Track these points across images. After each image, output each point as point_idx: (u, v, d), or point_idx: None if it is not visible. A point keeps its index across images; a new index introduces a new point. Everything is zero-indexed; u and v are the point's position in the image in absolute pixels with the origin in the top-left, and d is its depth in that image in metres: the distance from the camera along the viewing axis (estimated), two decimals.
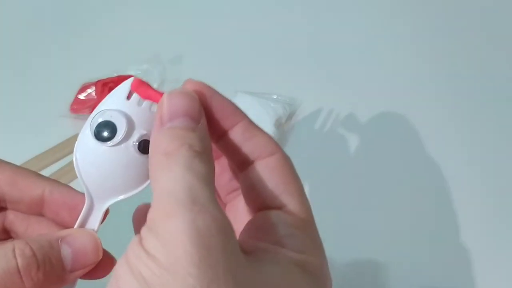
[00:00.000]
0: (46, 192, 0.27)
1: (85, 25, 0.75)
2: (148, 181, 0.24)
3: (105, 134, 0.24)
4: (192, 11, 0.74)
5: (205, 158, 0.21)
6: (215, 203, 0.20)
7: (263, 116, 0.56)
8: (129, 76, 0.68)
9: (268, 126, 0.55)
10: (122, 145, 0.24)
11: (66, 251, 0.24)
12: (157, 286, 0.18)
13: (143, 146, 0.24)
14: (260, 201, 0.24)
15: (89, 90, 0.61)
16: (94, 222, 0.26)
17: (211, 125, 0.24)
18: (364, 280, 0.46)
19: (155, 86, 0.63)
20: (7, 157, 0.58)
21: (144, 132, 0.24)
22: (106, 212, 0.26)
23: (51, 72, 0.68)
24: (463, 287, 0.45)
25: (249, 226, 0.24)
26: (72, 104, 0.60)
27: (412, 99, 0.60)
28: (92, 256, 0.25)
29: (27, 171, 0.28)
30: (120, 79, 0.61)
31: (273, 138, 0.25)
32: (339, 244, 0.49)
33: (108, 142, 0.24)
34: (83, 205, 0.26)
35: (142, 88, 0.25)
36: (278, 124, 0.56)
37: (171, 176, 0.20)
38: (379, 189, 0.52)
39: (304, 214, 0.24)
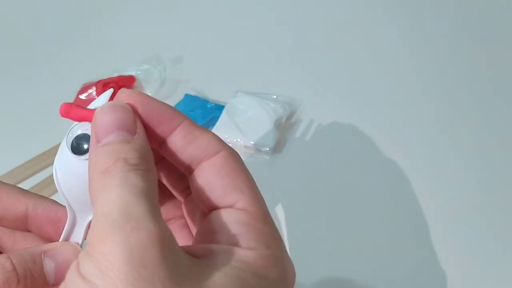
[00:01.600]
0: (30, 208, 0.26)
1: (85, 25, 0.75)
2: None
3: (82, 147, 0.24)
4: (192, 11, 0.74)
5: (142, 168, 0.21)
6: (152, 215, 0.20)
7: (263, 116, 0.56)
8: (130, 76, 0.69)
9: (268, 126, 0.55)
10: None
11: (49, 265, 0.24)
12: None
13: None
14: (211, 202, 0.23)
15: (90, 90, 0.61)
16: (78, 236, 0.26)
17: (150, 132, 0.24)
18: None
19: (155, 86, 0.63)
20: (7, 157, 0.58)
21: None
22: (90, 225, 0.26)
23: (52, 72, 0.69)
24: None
25: (201, 229, 0.24)
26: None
27: (412, 99, 0.60)
28: None
29: (9, 188, 0.27)
30: (121, 79, 0.62)
31: (217, 136, 0.24)
32: (338, 241, 0.49)
33: (85, 155, 0.24)
34: (66, 220, 0.25)
35: (72, 111, 0.24)
36: (278, 124, 0.56)
37: (106, 196, 0.20)
38: (379, 189, 0.52)
39: (257, 209, 0.23)
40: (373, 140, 0.56)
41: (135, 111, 0.23)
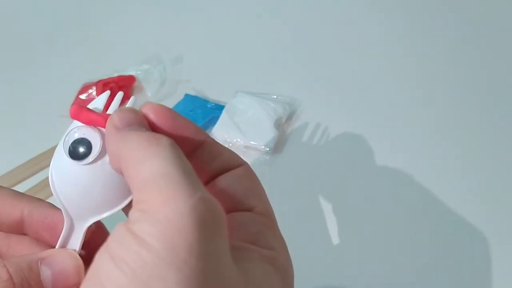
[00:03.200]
0: (25, 213, 0.26)
1: (86, 25, 0.75)
2: (130, 198, 0.23)
3: (80, 152, 0.23)
4: (193, 11, 0.75)
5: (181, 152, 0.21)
6: (207, 190, 0.19)
7: (263, 116, 0.56)
8: (130, 76, 0.69)
9: (268, 126, 0.55)
10: (98, 163, 0.23)
11: (46, 273, 0.23)
12: (149, 277, 0.17)
13: None
14: (229, 205, 0.24)
15: (90, 90, 0.61)
16: (75, 242, 0.25)
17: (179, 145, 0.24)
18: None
19: (155, 86, 0.63)
20: (7, 157, 0.58)
21: None
22: (89, 230, 0.25)
23: (52, 72, 0.69)
24: None
25: None
26: (73, 104, 0.60)
27: (412, 99, 0.60)
28: (73, 277, 0.24)
29: (5, 191, 0.27)
30: (121, 79, 0.62)
31: (237, 154, 0.26)
32: (337, 241, 0.49)
33: (83, 161, 0.23)
34: (63, 225, 0.24)
35: (82, 114, 0.23)
36: (278, 124, 0.56)
37: (163, 158, 0.19)
38: (379, 189, 0.52)
39: (272, 216, 0.25)
40: (373, 140, 0.56)
41: (165, 122, 0.23)
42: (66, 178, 0.24)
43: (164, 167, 0.19)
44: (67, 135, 0.23)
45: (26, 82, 0.69)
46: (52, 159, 0.24)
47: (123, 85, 0.61)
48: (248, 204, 0.24)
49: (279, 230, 0.25)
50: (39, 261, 0.23)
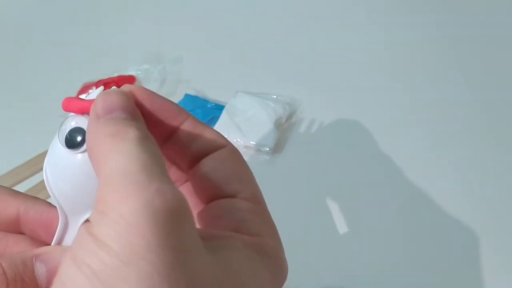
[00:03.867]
0: (21, 211, 0.25)
1: (86, 25, 0.75)
2: None
3: (76, 141, 0.23)
4: (193, 11, 0.75)
5: (154, 141, 0.20)
6: (171, 181, 0.19)
7: (263, 116, 0.56)
8: (130, 76, 0.69)
9: (268, 126, 0.55)
10: None
11: (41, 270, 0.22)
12: (110, 279, 0.17)
13: None
14: (213, 191, 0.23)
15: (90, 90, 0.61)
16: (71, 239, 0.24)
17: (156, 127, 0.23)
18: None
19: (155, 86, 0.63)
20: (7, 157, 0.58)
21: None
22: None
23: (52, 72, 0.69)
24: None
25: (203, 216, 0.24)
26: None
27: (412, 99, 0.60)
28: None
29: (1, 189, 0.26)
30: (121, 79, 0.62)
31: (220, 133, 0.25)
32: (337, 241, 0.49)
33: (77, 149, 0.22)
34: (58, 222, 0.24)
35: (73, 103, 0.23)
36: (278, 124, 0.56)
37: (122, 154, 0.19)
38: (379, 189, 0.52)
39: (258, 201, 0.23)
40: (373, 140, 0.56)
41: (142, 103, 0.23)
42: (61, 171, 0.23)
43: (123, 164, 0.19)
44: (62, 124, 0.23)
45: (26, 82, 0.69)
46: (47, 155, 0.24)
47: (123, 85, 0.61)
48: (232, 189, 0.23)
49: (269, 215, 0.24)
50: (34, 258, 0.23)
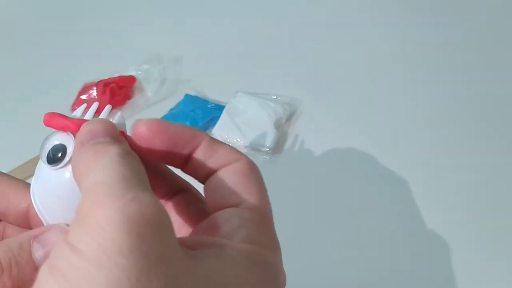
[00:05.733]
0: (31, 206, 0.25)
1: (86, 26, 0.75)
2: None
3: (55, 157, 0.23)
4: (193, 11, 0.75)
5: (137, 158, 0.21)
6: (150, 192, 0.19)
7: (263, 116, 0.56)
8: (130, 76, 0.68)
9: (268, 126, 0.56)
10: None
11: (38, 252, 0.22)
12: (78, 281, 0.17)
13: None
14: (220, 202, 0.24)
15: (90, 91, 0.61)
16: None
17: (175, 155, 0.24)
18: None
19: (155, 86, 0.64)
20: (8, 157, 0.58)
21: None
22: None
23: (53, 72, 0.69)
24: None
25: (204, 225, 0.24)
26: (73, 105, 0.60)
27: (413, 100, 0.60)
28: None
29: (17, 182, 0.27)
30: (121, 79, 0.62)
31: (236, 149, 0.25)
32: (337, 242, 0.49)
33: (58, 164, 0.23)
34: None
35: (55, 120, 0.24)
36: (278, 124, 0.56)
37: (102, 168, 0.20)
38: (379, 189, 0.52)
39: (261, 211, 0.24)
40: (372, 140, 0.56)
41: (159, 133, 0.23)
42: (43, 186, 0.24)
43: (102, 176, 0.19)
44: (44, 141, 0.24)
45: (26, 82, 0.69)
46: (35, 172, 0.24)
47: (123, 85, 0.62)
48: (236, 200, 0.23)
49: (271, 227, 0.24)
50: (32, 239, 0.23)
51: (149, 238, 0.18)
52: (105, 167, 0.20)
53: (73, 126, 0.23)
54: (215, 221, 0.23)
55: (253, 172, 0.24)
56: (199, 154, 0.24)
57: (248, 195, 0.24)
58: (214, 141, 0.25)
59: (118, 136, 0.23)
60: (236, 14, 0.73)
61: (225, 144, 0.25)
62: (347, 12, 0.71)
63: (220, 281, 0.20)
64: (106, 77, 0.62)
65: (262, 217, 0.23)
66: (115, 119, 0.24)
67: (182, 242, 0.21)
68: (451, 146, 0.55)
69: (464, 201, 0.50)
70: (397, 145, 0.55)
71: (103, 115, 0.25)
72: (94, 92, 0.61)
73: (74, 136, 0.23)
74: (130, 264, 0.17)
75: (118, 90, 0.61)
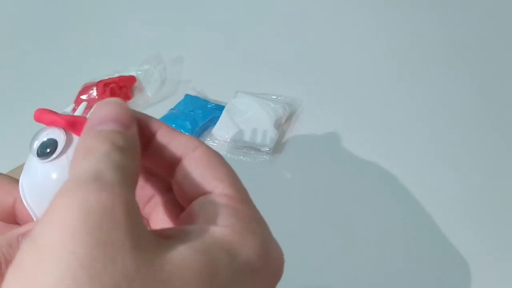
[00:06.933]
0: (18, 200, 0.25)
1: (87, 26, 0.75)
2: None
3: (45, 151, 0.23)
4: (193, 11, 0.75)
5: (127, 153, 0.21)
6: (123, 184, 0.19)
7: (263, 116, 0.56)
8: (130, 76, 0.68)
9: (268, 126, 0.56)
10: (63, 160, 0.23)
11: None
12: (33, 271, 0.17)
13: None
14: (191, 193, 0.23)
15: (90, 91, 0.61)
16: None
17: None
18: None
19: (155, 86, 0.63)
20: (8, 157, 0.58)
21: None
22: None
23: (53, 72, 0.69)
24: None
25: (182, 218, 0.24)
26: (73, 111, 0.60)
27: (413, 100, 0.60)
28: None
29: (2, 177, 0.27)
30: (121, 79, 0.62)
31: (195, 137, 0.25)
32: (336, 242, 0.49)
33: (48, 158, 0.23)
34: None
35: (44, 116, 0.24)
36: (278, 124, 0.56)
37: (86, 161, 0.20)
38: (379, 190, 0.52)
39: (236, 193, 0.23)
40: (372, 140, 0.56)
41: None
42: (31, 180, 0.24)
43: (80, 171, 0.19)
44: (34, 137, 0.24)
45: (26, 82, 0.69)
46: (23, 169, 0.24)
47: (123, 85, 0.62)
48: (207, 187, 0.23)
49: (251, 206, 0.23)
50: (20, 237, 0.23)
51: (109, 228, 0.17)
52: (88, 161, 0.20)
53: (62, 121, 0.24)
54: (191, 212, 0.23)
55: (216, 158, 0.24)
56: (157, 142, 0.24)
57: (218, 181, 0.23)
58: (170, 129, 0.24)
59: (127, 120, 0.22)
60: (236, 14, 0.73)
61: (181, 132, 0.25)
62: (347, 12, 0.71)
63: (190, 269, 0.19)
64: (106, 77, 0.62)
65: (237, 198, 0.23)
66: (78, 109, 0.25)
67: (160, 233, 0.20)
68: (452, 146, 0.55)
69: (467, 201, 0.50)
70: (397, 145, 0.55)
71: (78, 112, 0.25)
72: (94, 92, 0.61)
73: (64, 131, 0.24)
74: (85, 252, 0.17)
75: (118, 90, 0.61)
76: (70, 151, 0.23)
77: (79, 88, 0.62)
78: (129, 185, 0.20)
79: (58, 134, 0.24)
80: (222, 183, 0.23)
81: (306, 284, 0.46)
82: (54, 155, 0.23)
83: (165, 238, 0.20)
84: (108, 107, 0.23)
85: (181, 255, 0.19)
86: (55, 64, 0.70)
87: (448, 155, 0.54)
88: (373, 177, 0.53)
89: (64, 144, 0.23)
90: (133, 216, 0.19)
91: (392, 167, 0.54)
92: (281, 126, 0.57)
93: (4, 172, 0.55)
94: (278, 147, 0.56)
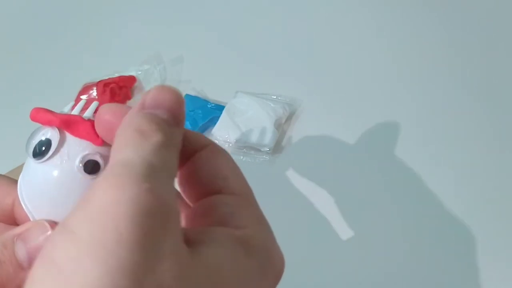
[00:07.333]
0: (17, 202, 0.25)
1: (86, 26, 0.75)
2: None
3: (40, 151, 0.23)
4: (193, 11, 0.75)
5: (174, 151, 0.20)
6: (171, 188, 0.19)
7: (263, 116, 0.56)
8: (130, 77, 0.68)
9: (268, 126, 0.56)
10: (56, 160, 0.23)
11: (21, 250, 0.22)
12: (70, 273, 0.16)
13: (89, 166, 0.23)
14: (199, 191, 0.23)
15: (90, 91, 0.61)
16: None
17: None
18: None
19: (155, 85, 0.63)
20: (8, 158, 0.58)
21: (87, 152, 0.23)
22: None
23: (53, 73, 0.69)
24: None
25: (190, 216, 0.24)
26: (73, 105, 0.60)
27: (413, 100, 0.60)
28: None
29: (1, 178, 0.26)
30: (121, 79, 0.62)
31: (202, 134, 0.25)
32: (337, 242, 0.49)
33: (42, 158, 0.23)
34: None
35: (40, 115, 0.23)
36: (278, 125, 0.56)
37: (135, 150, 0.19)
38: (379, 189, 0.52)
39: (243, 193, 0.23)
40: (372, 140, 0.56)
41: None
42: (28, 180, 0.23)
43: (130, 158, 0.18)
44: (30, 137, 0.24)
45: (26, 82, 0.69)
46: (22, 170, 0.24)
47: (123, 85, 0.62)
48: (218, 185, 0.23)
49: (257, 209, 0.23)
50: (15, 238, 0.22)
51: (154, 232, 0.17)
52: (138, 150, 0.19)
53: (57, 120, 0.23)
54: (201, 211, 0.23)
55: (226, 156, 0.24)
56: None
57: (228, 180, 0.23)
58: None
59: (180, 115, 0.22)
60: (236, 14, 0.73)
61: (190, 130, 0.24)
62: (347, 12, 0.71)
63: (221, 275, 0.19)
64: (106, 77, 0.62)
65: (245, 198, 0.23)
66: (89, 109, 0.24)
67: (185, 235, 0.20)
68: (452, 146, 0.55)
69: (467, 201, 0.50)
70: (397, 145, 0.55)
71: (89, 111, 0.25)
72: (94, 92, 0.61)
73: (59, 131, 0.23)
74: (128, 256, 0.16)
75: (118, 90, 0.61)
76: (64, 150, 0.23)
77: (79, 88, 0.62)
78: (174, 189, 0.19)
79: (52, 134, 0.23)
80: (230, 182, 0.23)
81: (306, 284, 0.46)
82: (48, 155, 0.23)
83: (192, 242, 0.20)
84: (168, 95, 0.22)
85: (216, 264, 0.19)
86: (55, 64, 0.70)
87: (448, 155, 0.54)
88: (373, 177, 0.53)
89: (57, 144, 0.23)
90: (177, 224, 0.18)
91: (392, 167, 0.54)
92: (281, 126, 0.57)
93: (4, 172, 0.55)
94: (278, 147, 0.56)
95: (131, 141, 0.19)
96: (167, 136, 0.20)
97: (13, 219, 0.26)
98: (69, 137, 0.23)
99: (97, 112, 0.23)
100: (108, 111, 0.22)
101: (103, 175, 0.18)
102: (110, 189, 0.17)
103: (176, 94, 0.22)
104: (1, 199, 0.25)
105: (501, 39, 0.65)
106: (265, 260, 0.21)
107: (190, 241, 0.20)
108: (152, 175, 0.18)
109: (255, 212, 0.23)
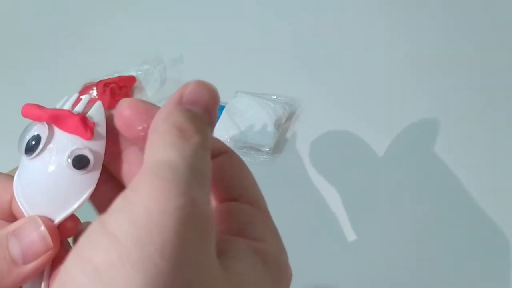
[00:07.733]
0: (14, 198, 0.25)
1: (86, 26, 0.75)
2: (88, 193, 0.23)
3: (31, 147, 0.23)
4: (193, 11, 0.75)
5: (210, 156, 0.20)
6: (209, 198, 0.19)
7: (263, 116, 0.56)
8: (130, 76, 0.68)
9: (268, 126, 0.56)
10: (46, 155, 0.23)
11: (15, 248, 0.22)
12: (110, 280, 0.16)
13: (77, 161, 0.22)
14: (215, 196, 0.23)
15: (90, 91, 0.61)
16: None
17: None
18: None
19: (155, 86, 0.63)
20: (8, 158, 0.58)
21: (75, 147, 0.22)
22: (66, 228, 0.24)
23: (53, 73, 0.69)
24: None
25: None
26: (73, 105, 0.60)
27: (413, 99, 0.60)
28: (39, 246, 0.22)
29: (0, 176, 0.26)
30: (121, 79, 0.62)
31: (220, 139, 0.25)
32: (337, 242, 0.49)
33: (34, 153, 0.22)
34: None
35: (31, 110, 0.23)
36: (278, 125, 0.56)
37: (180, 152, 0.18)
38: (379, 189, 0.52)
39: (260, 204, 0.23)
40: (372, 140, 0.56)
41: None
42: (24, 178, 0.23)
43: (176, 160, 0.18)
44: (23, 133, 0.24)
45: (26, 82, 0.69)
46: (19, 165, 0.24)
47: (123, 85, 0.62)
48: (235, 193, 0.23)
49: (271, 221, 0.23)
50: (9, 234, 0.22)
51: (197, 247, 0.17)
52: (183, 152, 0.18)
53: (45, 115, 0.23)
54: (217, 216, 0.23)
55: (243, 165, 0.24)
56: None
57: (245, 189, 0.23)
58: None
59: (213, 113, 0.21)
60: (236, 14, 0.73)
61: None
62: (347, 12, 0.71)
63: (243, 285, 0.19)
64: (106, 77, 0.62)
65: (262, 211, 0.23)
66: (92, 109, 0.24)
67: None
68: (453, 146, 0.55)
69: (467, 201, 0.50)
70: (398, 145, 0.55)
71: (80, 106, 0.24)
72: (94, 92, 0.61)
73: (48, 126, 0.23)
74: (171, 269, 0.16)
75: (118, 90, 0.61)
76: (53, 146, 0.23)
77: (79, 88, 0.62)
78: (210, 196, 0.19)
79: (42, 129, 0.23)
80: (248, 191, 0.23)
81: (306, 284, 0.46)
82: (37, 151, 0.23)
83: (219, 252, 0.19)
84: (206, 92, 0.21)
85: (243, 277, 0.19)
86: (55, 64, 0.70)
87: (449, 155, 0.54)
88: (374, 177, 0.53)
89: (46, 139, 0.23)
90: (214, 236, 0.18)
91: (393, 167, 0.54)
92: (281, 126, 0.57)
93: (4, 172, 0.55)
94: (278, 147, 0.56)
95: (171, 140, 0.19)
96: (205, 138, 0.20)
97: (11, 216, 0.26)
98: (57, 132, 0.23)
99: (117, 107, 0.23)
100: (128, 106, 0.22)
101: (144, 173, 0.18)
102: (155, 193, 0.17)
103: (214, 92, 0.22)
104: (1, 195, 0.25)
105: (502, 38, 0.65)
106: (279, 274, 0.21)
107: (217, 251, 0.20)
108: (195, 182, 0.18)
109: (271, 225, 0.23)
